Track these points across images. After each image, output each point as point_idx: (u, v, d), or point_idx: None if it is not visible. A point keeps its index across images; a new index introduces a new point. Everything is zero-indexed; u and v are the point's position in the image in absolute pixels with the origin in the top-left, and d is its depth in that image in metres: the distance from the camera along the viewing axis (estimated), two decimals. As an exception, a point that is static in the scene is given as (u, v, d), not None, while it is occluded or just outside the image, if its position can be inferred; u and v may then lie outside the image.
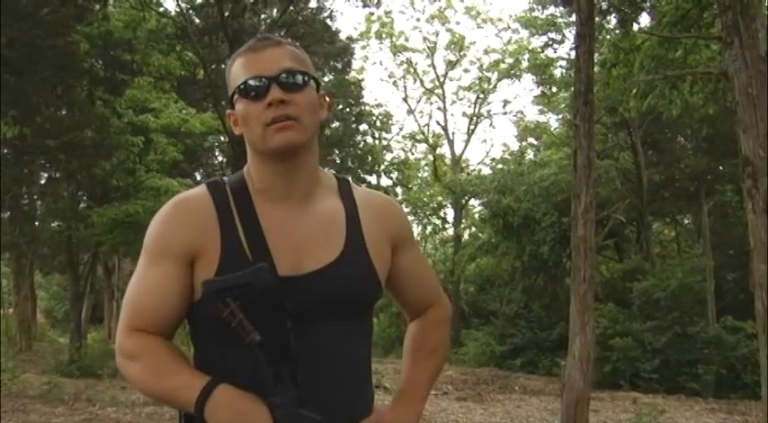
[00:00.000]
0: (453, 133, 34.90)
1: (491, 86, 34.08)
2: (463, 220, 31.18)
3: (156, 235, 1.59)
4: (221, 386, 1.46)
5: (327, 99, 1.69)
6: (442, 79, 34.78)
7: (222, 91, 18.64)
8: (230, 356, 1.51)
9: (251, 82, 1.56)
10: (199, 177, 23.68)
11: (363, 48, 33.99)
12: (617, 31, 12.99)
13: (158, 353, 1.54)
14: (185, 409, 1.51)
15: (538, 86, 28.92)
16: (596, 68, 10.65)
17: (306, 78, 1.59)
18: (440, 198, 33.41)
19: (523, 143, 32.90)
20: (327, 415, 1.46)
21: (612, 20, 13.40)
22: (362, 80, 31.68)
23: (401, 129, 39.02)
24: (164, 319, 1.56)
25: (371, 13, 32.26)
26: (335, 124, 27.62)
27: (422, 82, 35.39)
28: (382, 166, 33.52)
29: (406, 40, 34.64)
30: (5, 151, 16.50)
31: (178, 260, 1.55)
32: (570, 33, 22.30)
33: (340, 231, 1.62)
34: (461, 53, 34.15)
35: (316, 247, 1.58)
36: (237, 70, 1.60)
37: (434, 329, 1.83)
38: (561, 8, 19.40)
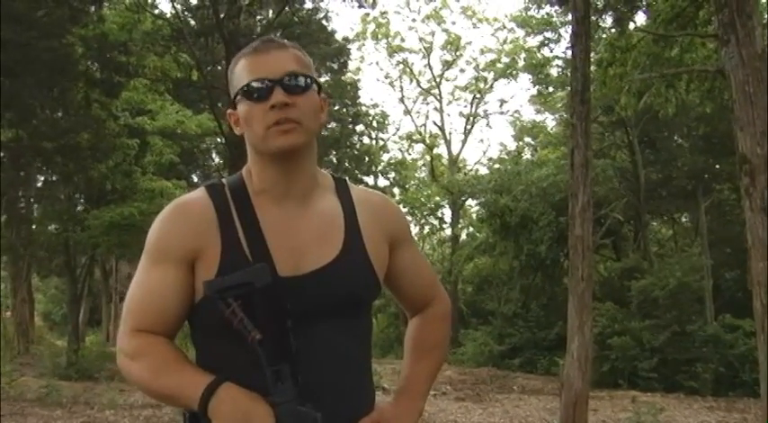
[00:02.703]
0: (450, 133, 35.13)
1: (487, 86, 34.14)
2: (461, 221, 31.18)
3: (157, 238, 1.60)
4: (225, 384, 1.47)
5: (327, 101, 1.70)
6: (438, 79, 34.85)
7: (218, 92, 18.66)
8: (231, 356, 1.52)
9: (254, 84, 1.57)
10: (196, 179, 23.64)
11: (359, 48, 34.09)
12: (613, 30, 12.98)
13: (162, 352, 1.56)
14: (189, 406, 1.51)
15: (534, 86, 28.95)
16: (593, 67, 10.66)
17: (308, 81, 1.60)
18: (437, 198, 33.40)
19: (520, 143, 32.97)
20: (328, 413, 1.46)
21: (608, 18, 13.40)
22: (359, 81, 31.76)
23: (398, 129, 39.14)
24: (166, 321, 1.58)
25: (367, 14, 32.34)
26: (332, 125, 27.62)
27: (418, 82, 35.47)
28: (379, 167, 33.56)
29: (402, 40, 34.73)
30: (1, 154, 16.46)
31: (179, 262, 1.56)
32: (566, 32, 22.32)
33: (338, 231, 1.63)
34: (457, 53, 34.20)
35: (314, 247, 1.59)
36: (241, 71, 1.60)
37: (434, 326, 1.84)
38: (557, 7, 19.42)
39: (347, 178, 1.81)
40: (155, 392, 1.56)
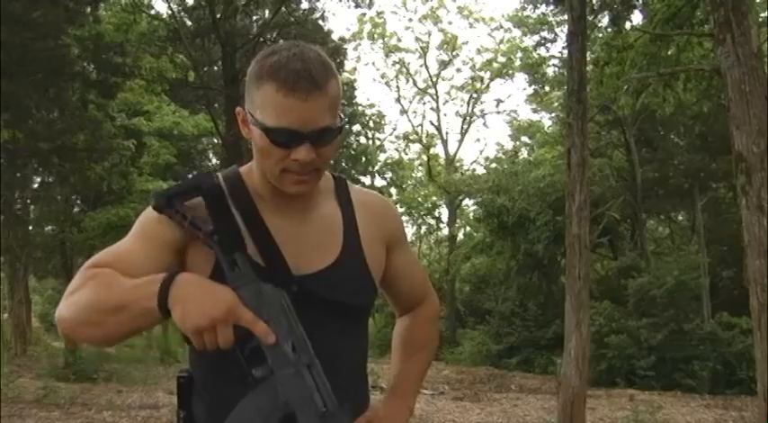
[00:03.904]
0: (447, 133, 35.06)
1: (484, 86, 34.14)
2: (458, 220, 31.20)
3: (150, 221, 1.54)
4: (183, 273, 1.40)
5: None
6: (434, 79, 34.85)
7: (215, 93, 18.66)
8: (225, 364, 1.47)
9: (282, 133, 1.44)
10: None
11: (356, 48, 33.99)
12: (609, 30, 13.00)
13: (115, 272, 1.45)
14: (145, 309, 1.37)
15: (531, 85, 29.00)
16: (589, 67, 10.67)
17: (337, 131, 1.51)
18: (434, 198, 33.43)
19: (517, 142, 32.98)
20: None
21: (605, 18, 13.42)
22: (355, 81, 31.69)
23: (394, 129, 39.26)
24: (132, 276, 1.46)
25: (363, 14, 32.32)
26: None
27: (415, 82, 35.45)
28: (376, 167, 33.56)
29: (399, 40, 34.71)
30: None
31: (164, 248, 1.51)
32: (562, 32, 22.31)
33: (337, 235, 1.63)
34: (454, 53, 34.20)
35: (313, 252, 1.58)
36: (268, 100, 1.44)
37: (423, 326, 1.87)
38: (553, 7, 19.42)
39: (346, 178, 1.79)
40: (105, 309, 1.38)
